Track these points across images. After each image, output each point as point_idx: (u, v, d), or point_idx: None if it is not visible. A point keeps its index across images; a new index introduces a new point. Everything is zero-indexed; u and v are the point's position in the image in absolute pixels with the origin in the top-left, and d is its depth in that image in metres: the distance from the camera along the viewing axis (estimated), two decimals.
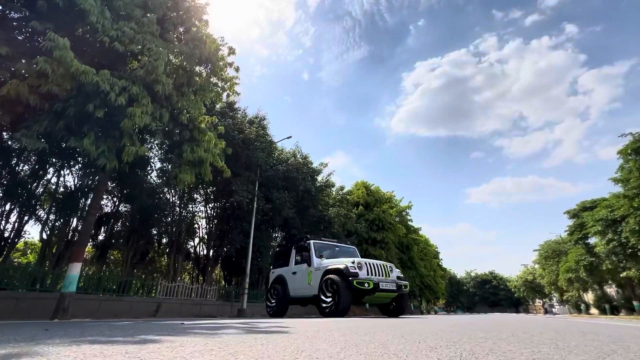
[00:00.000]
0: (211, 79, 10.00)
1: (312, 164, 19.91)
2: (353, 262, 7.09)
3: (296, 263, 8.71)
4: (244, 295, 13.79)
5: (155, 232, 14.11)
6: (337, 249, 8.93)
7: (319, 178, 20.54)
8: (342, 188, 23.36)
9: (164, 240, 16.16)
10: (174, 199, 14.95)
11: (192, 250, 18.54)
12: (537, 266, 55.14)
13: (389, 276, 7.42)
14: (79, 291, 9.90)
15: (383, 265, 7.52)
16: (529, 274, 59.88)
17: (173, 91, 8.29)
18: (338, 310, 6.65)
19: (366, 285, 6.69)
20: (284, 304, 8.64)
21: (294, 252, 9.06)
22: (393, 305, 7.94)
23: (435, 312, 53.94)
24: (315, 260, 8.00)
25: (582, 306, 38.03)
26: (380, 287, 6.88)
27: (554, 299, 60.87)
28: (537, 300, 68.22)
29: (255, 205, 14.83)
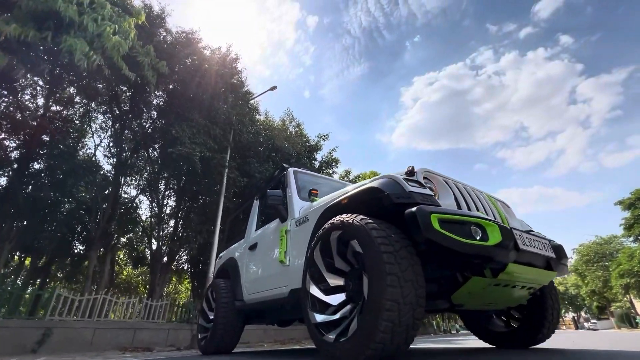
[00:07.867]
0: None
1: (307, 137, 15.28)
2: (412, 172, 2.21)
3: (260, 226, 3.81)
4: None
5: (62, 217, 9.16)
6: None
7: (319, 157, 15.77)
8: (347, 173, 18.51)
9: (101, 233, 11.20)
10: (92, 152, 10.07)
11: (147, 249, 13.61)
12: (568, 275, 49.00)
13: (507, 222, 2.39)
14: None
15: (488, 197, 2.55)
16: (558, 285, 53.50)
17: None
18: (372, 336, 1.47)
19: (479, 233, 1.74)
20: (229, 324, 3.48)
21: (256, 204, 4.17)
22: (524, 314, 2.73)
23: (457, 331, 47.38)
24: (297, 204, 3.06)
25: (638, 318, 31.92)
26: (522, 247, 1.82)
27: (588, 312, 54.11)
28: (568, 313, 61.26)
29: (225, 179, 10.08)
